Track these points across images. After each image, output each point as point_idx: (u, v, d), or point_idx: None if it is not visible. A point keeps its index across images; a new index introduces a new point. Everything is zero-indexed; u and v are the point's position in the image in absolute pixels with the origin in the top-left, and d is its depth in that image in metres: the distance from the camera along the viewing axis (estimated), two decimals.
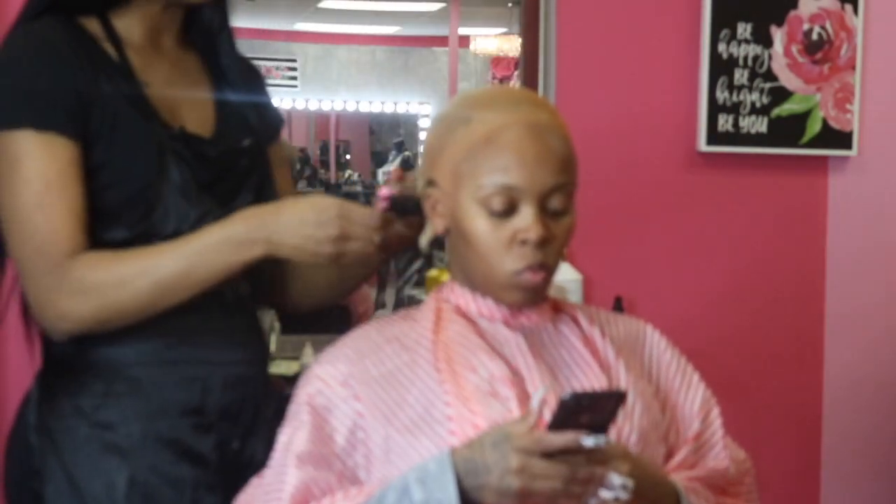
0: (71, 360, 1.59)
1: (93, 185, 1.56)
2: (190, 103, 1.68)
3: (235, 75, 1.74)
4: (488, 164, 1.42)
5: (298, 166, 7.98)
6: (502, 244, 1.43)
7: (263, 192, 1.69)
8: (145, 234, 1.57)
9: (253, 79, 1.80)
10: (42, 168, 1.52)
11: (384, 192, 1.56)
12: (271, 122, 1.82)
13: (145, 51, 1.66)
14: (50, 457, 1.58)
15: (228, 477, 1.62)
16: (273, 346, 2.92)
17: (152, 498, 1.57)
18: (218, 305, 1.61)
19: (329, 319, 3.32)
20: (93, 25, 1.62)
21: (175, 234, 1.57)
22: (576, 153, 1.48)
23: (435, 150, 1.49)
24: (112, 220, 1.57)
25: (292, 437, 1.41)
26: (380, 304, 5.32)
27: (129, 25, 1.65)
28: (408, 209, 1.55)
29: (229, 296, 1.64)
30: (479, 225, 1.43)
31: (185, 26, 1.72)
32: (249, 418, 1.66)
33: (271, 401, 1.72)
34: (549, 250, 1.44)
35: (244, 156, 1.69)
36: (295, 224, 1.53)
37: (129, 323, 1.55)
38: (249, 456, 1.65)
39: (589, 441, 1.26)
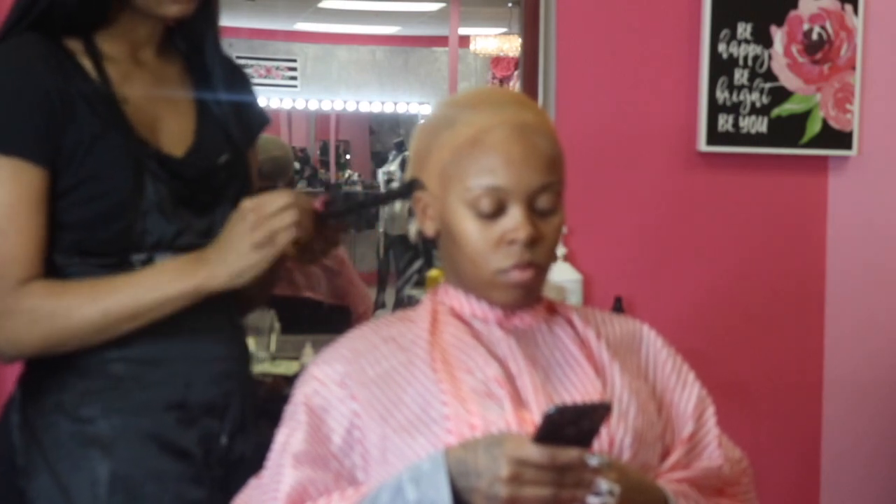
0: (53, 359, 1.59)
1: (69, 201, 1.56)
2: (169, 116, 1.68)
3: (219, 80, 1.73)
4: (475, 165, 1.42)
5: (298, 166, 7.97)
6: (491, 245, 1.43)
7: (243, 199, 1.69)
8: (125, 248, 1.58)
9: (237, 81, 1.79)
10: (6, 194, 1.53)
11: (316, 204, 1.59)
12: (253, 124, 1.81)
13: (125, 64, 1.65)
14: (34, 454, 1.59)
15: (216, 472, 1.63)
16: (273, 346, 2.92)
17: (135, 491, 1.58)
18: (201, 302, 1.61)
19: (329, 319, 3.33)
20: (73, 42, 1.62)
21: (155, 247, 1.59)
22: (563, 152, 1.48)
23: (422, 153, 1.49)
24: (90, 234, 1.58)
25: (289, 438, 1.41)
26: (380, 304, 5.33)
27: (109, 41, 1.64)
28: (326, 217, 1.58)
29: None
30: (468, 227, 1.43)
31: (168, 33, 1.71)
32: (237, 415, 1.67)
33: (257, 398, 1.73)
34: (539, 249, 1.44)
35: (221, 171, 1.69)
36: (226, 238, 1.55)
37: (74, 350, 1.57)
38: (240, 453, 1.66)
39: (594, 461, 1.26)
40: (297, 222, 1.54)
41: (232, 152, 1.71)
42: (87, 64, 1.61)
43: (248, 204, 1.55)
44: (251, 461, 1.60)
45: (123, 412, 1.59)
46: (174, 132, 1.67)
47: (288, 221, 1.53)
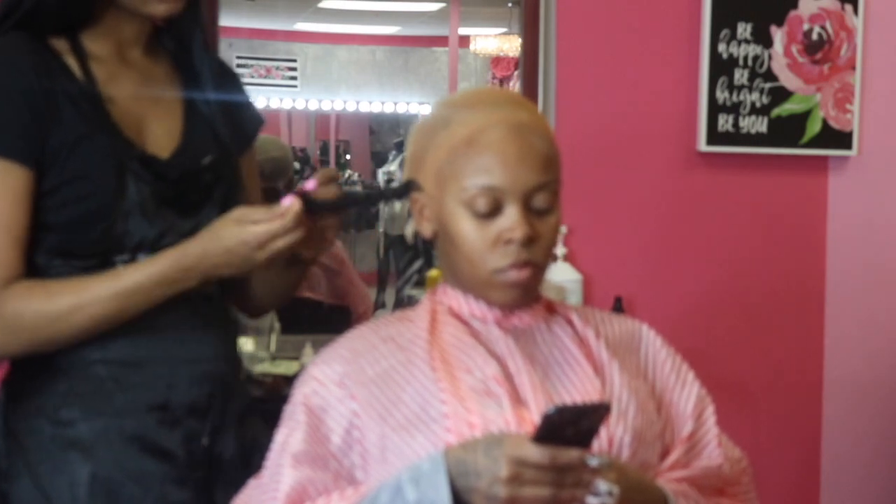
0: (35, 361, 1.59)
1: (50, 202, 1.56)
2: (156, 116, 1.67)
3: (207, 80, 1.72)
4: (471, 165, 1.42)
5: (298, 166, 7.96)
6: (488, 244, 1.43)
7: (230, 202, 1.67)
8: (107, 250, 1.58)
9: (227, 84, 1.78)
10: None
11: (309, 185, 1.57)
12: (244, 128, 1.80)
13: (111, 63, 1.64)
14: (15, 457, 1.59)
15: (199, 472, 1.63)
16: (273, 346, 2.91)
17: (116, 493, 1.58)
18: (184, 303, 1.62)
19: (329, 319, 3.32)
20: (59, 41, 1.61)
21: (137, 248, 1.59)
22: (559, 151, 1.48)
23: (418, 154, 1.49)
24: (69, 236, 1.57)
25: (288, 438, 1.41)
26: (380, 304, 5.32)
27: (96, 40, 1.64)
28: (317, 208, 1.57)
29: (195, 294, 1.64)
30: (465, 227, 1.43)
31: (155, 32, 1.71)
32: (218, 414, 1.66)
33: (240, 397, 1.73)
34: (536, 249, 1.44)
35: (207, 172, 1.68)
36: (221, 255, 1.55)
37: (57, 349, 1.57)
38: (221, 453, 1.66)
39: (593, 461, 1.26)
40: (302, 240, 1.55)
41: (218, 153, 1.70)
42: (72, 64, 1.60)
43: (252, 231, 1.53)
44: (233, 461, 1.63)
45: (105, 414, 1.58)
46: (161, 133, 1.66)
47: (291, 242, 1.54)
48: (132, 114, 1.63)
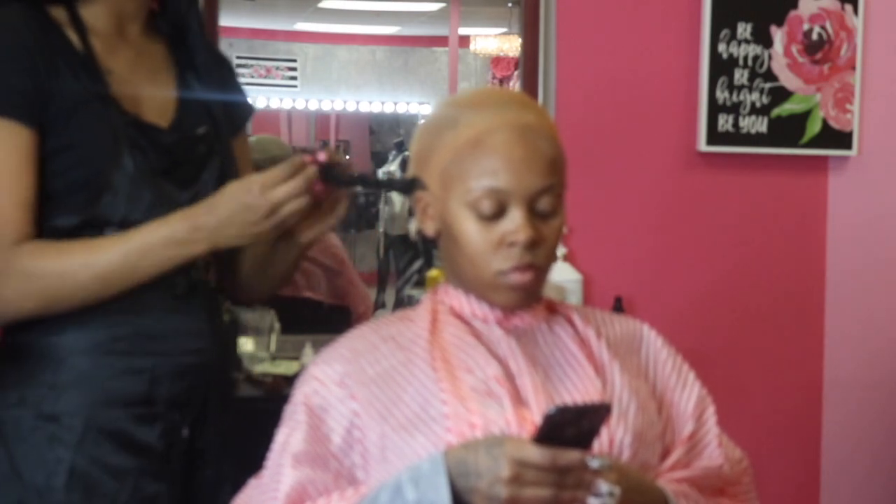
0: (20, 349, 1.60)
1: (45, 170, 1.57)
2: (152, 91, 1.69)
3: (202, 63, 1.74)
4: (476, 167, 1.42)
5: None
6: (491, 246, 1.43)
7: (226, 175, 1.69)
8: (94, 220, 1.59)
9: (220, 68, 1.81)
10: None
11: (320, 155, 1.58)
12: (236, 113, 1.82)
13: (110, 38, 1.66)
14: None
15: (176, 465, 1.64)
16: (273, 346, 2.91)
17: (93, 488, 1.58)
18: (170, 296, 1.63)
19: (329, 319, 3.32)
20: (58, 13, 1.63)
21: (124, 220, 1.59)
22: (564, 154, 1.48)
23: (423, 153, 1.49)
24: (61, 205, 1.58)
25: (289, 438, 1.41)
26: (380, 304, 5.32)
27: (95, 13, 1.65)
28: (336, 178, 1.58)
29: (181, 286, 1.64)
30: (469, 228, 1.43)
31: (152, 15, 1.74)
32: (200, 407, 1.67)
33: (223, 390, 1.73)
34: (539, 251, 1.44)
35: (201, 142, 1.70)
36: (230, 218, 1.57)
37: (69, 311, 1.57)
38: (201, 445, 1.66)
39: (594, 462, 1.26)
40: (304, 214, 1.57)
41: (211, 125, 1.72)
42: (71, 35, 1.62)
43: (259, 187, 1.55)
44: (212, 453, 1.64)
45: (85, 409, 1.59)
46: (156, 106, 1.68)
47: (297, 209, 1.56)
48: (129, 87, 1.65)
